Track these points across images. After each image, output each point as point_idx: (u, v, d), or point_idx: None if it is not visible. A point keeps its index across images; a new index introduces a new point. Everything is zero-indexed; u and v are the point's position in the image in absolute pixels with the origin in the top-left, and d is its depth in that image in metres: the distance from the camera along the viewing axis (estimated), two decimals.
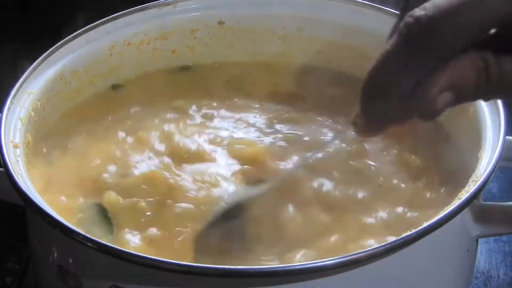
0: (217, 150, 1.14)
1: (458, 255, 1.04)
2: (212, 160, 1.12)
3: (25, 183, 1.01)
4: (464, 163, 1.08)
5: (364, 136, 0.90)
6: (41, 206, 0.97)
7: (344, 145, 1.15)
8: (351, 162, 1.14)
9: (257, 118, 1.22)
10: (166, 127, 1.18)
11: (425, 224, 0.94)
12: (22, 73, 1.14)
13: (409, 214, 1.06)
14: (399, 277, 0.96)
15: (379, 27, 1.25)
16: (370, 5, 1.26)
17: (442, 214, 0.95)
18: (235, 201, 1.05)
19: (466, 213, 0.98)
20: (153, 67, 1.30)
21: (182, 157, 1.13)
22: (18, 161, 1.05)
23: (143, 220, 1.05)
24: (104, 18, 1.24)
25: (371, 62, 1.27)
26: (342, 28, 1.28)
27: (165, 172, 1.10)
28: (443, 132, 1.18)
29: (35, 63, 1.16)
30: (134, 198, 1.06)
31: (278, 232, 1.03)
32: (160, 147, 1.15)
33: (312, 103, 1.25)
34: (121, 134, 1.18)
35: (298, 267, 0.91)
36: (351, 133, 1.07)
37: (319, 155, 1.13)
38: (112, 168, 1.11)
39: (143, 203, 1.06)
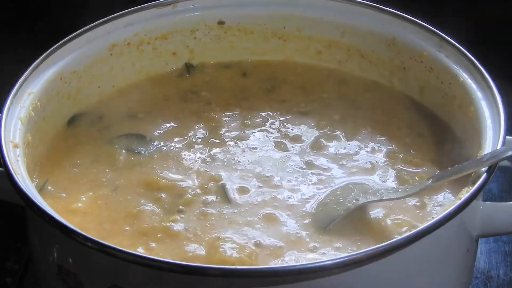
0: None
1: (458, 255, 1.04)
2: None
3: (25, 183, 1.01)
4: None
5: None
6: (41, 206, 0.97)
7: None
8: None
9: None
10: None
11: (425, 224, 0.94)
12: (22, 73, 1.14)
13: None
14: (399, 277, 0.96)
15: (379, 27, 1.25)
16: (370, 5, 1.26)
17: (442, 214, 0.95)
18: None
19: (466, 213, 0.98)
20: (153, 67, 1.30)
21: None
22: (18, 161, 1.05)
23: None
24: (104, 18, 1.24)
25: (370, 61, 1.29)
26: (342, 28, 1.28)
27: None
28: (447, 132, 1.18)
29: (35, 63, 1.16)
30: None
31: None
32: None
33: (309, 102, 1.25)
34: None
35: (298, 267, 0.92)
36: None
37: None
38: None
39: None
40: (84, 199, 1.09)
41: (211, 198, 1.09)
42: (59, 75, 1.19)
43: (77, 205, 1.08)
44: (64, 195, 1.11)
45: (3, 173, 1.02)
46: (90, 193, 1.10)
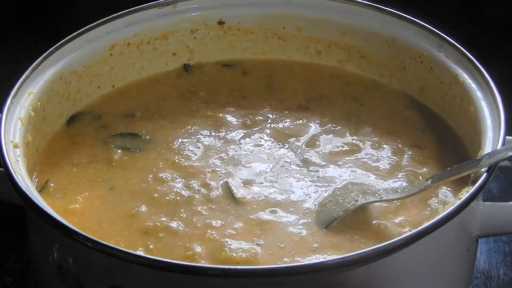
0: None
1: (458, 255, 1.04)
2: None
3: (25, 183, 1.01)
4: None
5: None
6: (41, 206, 0.97)
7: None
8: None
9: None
10: None
11: (425, 224, 0.94)
12: (22, 73, 1.14)
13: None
14: (399, 277, 0.96)
15: (379, 27, 1.25)
16: (370, 5, 1.26)
17: (442, 214, 0.95)
18: None
19: (466, 213, 0.98)
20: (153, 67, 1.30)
21: None
22: (18, 161, 1.05)
23: None
24: (104, 18, 1.24)
25: (370, 61, 1.29)
26: (342, 28, 1.28)
27: None
28: (448, 132, 1.18)
29: (35, 63, 1.16)
30: None
31: None
32: None
33: (309, 101, 1.25)
34: None
35: (298, 267, 0.92)
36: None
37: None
38: None
39: None
40: (82, 199, 1.09)
41: (211, 197, 1.09)
42: (59, 75, 1.19)
43: (76, 205, 1.08)
44: (63, 195, 1.10)
45: (3, 173, 1.02)
46: (87, 193, 1.10)
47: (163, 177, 1.12)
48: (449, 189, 1.09)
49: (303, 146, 1.17)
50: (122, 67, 1.27)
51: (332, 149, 1.16)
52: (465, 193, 0.98)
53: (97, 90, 1.26)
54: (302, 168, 1.13)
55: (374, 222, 1.05)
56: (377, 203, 1.07)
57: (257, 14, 1.30)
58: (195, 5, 1.29)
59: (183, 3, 1.29)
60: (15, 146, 1.06)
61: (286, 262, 0.99)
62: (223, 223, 1.05)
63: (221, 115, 1.23)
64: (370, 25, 1.26)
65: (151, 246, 1.02)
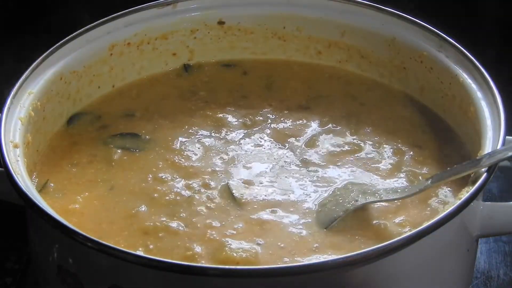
0: None
1: (458, 255, 1.04)
2: None
3: (25, 183, 1.01)
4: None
5: None
6: (41, 206, 0.97)
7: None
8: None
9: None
10: None
11: (425, 224, 0.94)
12: (22, 73, 1.14)
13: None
14: (399, 277, 0.96)
15: (379, 27, 1.25)
16: (370, 5, 1.26)
17: (442, 214, 0.95)
18: None
19: (466, 213, 0.98)
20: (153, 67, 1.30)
21: None
22: (18, 161, 1.05)
23: None
24: (104, 18, 1.24)
25: (370, 61, 1.29)
26: (342, 28, 1.28)
27: None
28: (448, 132, 1.18)
29: (35, 63, 1.16)
30: None
31: None
32: None
33: (309, 101, 1.25)
34: None
35: (298, 267, 0.92)
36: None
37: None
38: None
39: None
40: (81, 199, 1.09)
41: (211, 197, 1.09)
42: (59, 75, 1.19)
43: (76, 205, 1.08)
44: (63, 195, 1.11)
45: (3, 173, 1.02)
46: (87, 193, 1.10)
47: (163, 177, 1.12)
48: (449, 189, 1.09)
49: (303, 146, 1.17)
50: (122, 67, 1.27)
51: (332, 149, 1.17)
52: (465, 193, 0.98)
53: (97, 90, 1.26)
54: (301, 168, 1.13)
55: (374, 222, 1.05)
56: (377, 203, 1.07)
57: (257, 14, 1.30)
58: (195, 5, 1.29)
59: (183, 3, 1.29)
60: (15, 146, 1.06)
61: (286, 262, 0.99)
62: (223, 223, 1.05)
63: (221, 115, 1.23)
64: (370, 25, 1.26)
65: (151, 246, 1.02)
